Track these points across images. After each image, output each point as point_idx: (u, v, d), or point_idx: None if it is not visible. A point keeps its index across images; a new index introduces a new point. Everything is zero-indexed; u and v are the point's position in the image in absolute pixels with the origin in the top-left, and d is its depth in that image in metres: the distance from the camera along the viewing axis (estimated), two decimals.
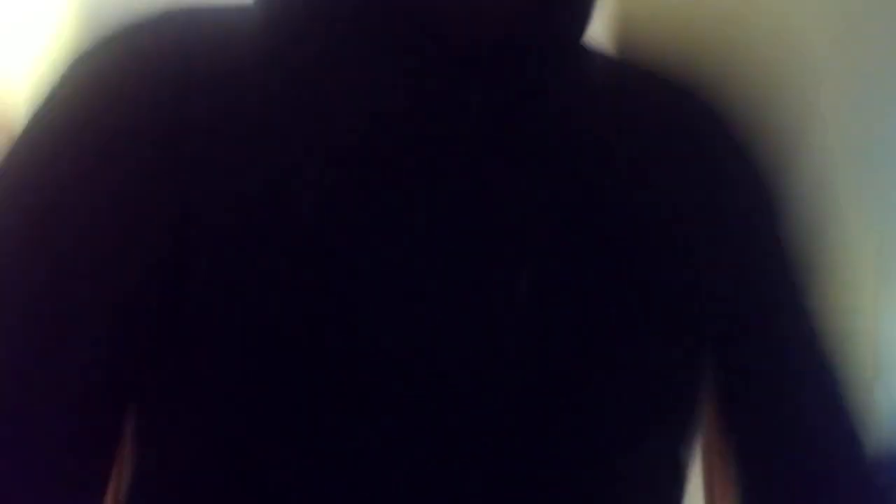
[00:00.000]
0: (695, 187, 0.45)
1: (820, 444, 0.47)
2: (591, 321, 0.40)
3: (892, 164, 1.92)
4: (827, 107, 1.80)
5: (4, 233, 0.37)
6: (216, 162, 0.38)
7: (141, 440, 0.40)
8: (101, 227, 0.37)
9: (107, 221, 0.37)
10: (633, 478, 0.42)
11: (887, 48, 1.78)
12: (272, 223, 0.37)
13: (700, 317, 0.43)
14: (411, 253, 0.38)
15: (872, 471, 0.48)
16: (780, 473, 0.47)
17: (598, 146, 0.43)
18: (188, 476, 0.39)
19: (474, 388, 0.38)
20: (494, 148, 0.41)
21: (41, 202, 0.37)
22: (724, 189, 0.46)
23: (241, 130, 0.38)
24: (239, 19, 0.43)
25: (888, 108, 1.88)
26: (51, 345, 0.36)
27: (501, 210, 0.40)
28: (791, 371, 0.47)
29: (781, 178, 0.50)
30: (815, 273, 0.49)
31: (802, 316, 0.48)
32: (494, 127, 0.41)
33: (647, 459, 0.42)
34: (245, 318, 0.37)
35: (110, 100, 0.39)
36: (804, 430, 0.46)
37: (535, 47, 0.42)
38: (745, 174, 0.48)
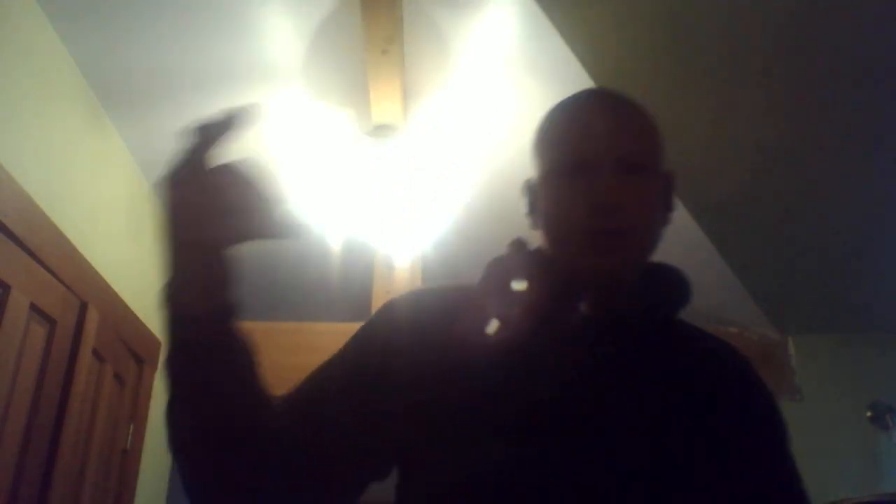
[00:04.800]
0: (729, 400, 0.81)
1: None
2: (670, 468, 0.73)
3: None
4: None
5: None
6: (413, 346, 0.80)
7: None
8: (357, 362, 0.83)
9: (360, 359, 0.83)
10: None
11: None
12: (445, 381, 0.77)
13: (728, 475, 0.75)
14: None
15: None
16: None
17: (673, 372, 0.81)
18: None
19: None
20: (617, 370, 0.79)
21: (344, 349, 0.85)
22: (746, 404, 0.83)
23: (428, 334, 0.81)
24: (455, 289, 0.88)
25: None
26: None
27: (620, 401, 0.76)
28: None
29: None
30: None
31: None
32: (619, 361, 0.79)
33: None
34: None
35: (385, 314, 0.87)
36: None
37: (645, 321, 0.84)
38: (760, 398, 0.85)
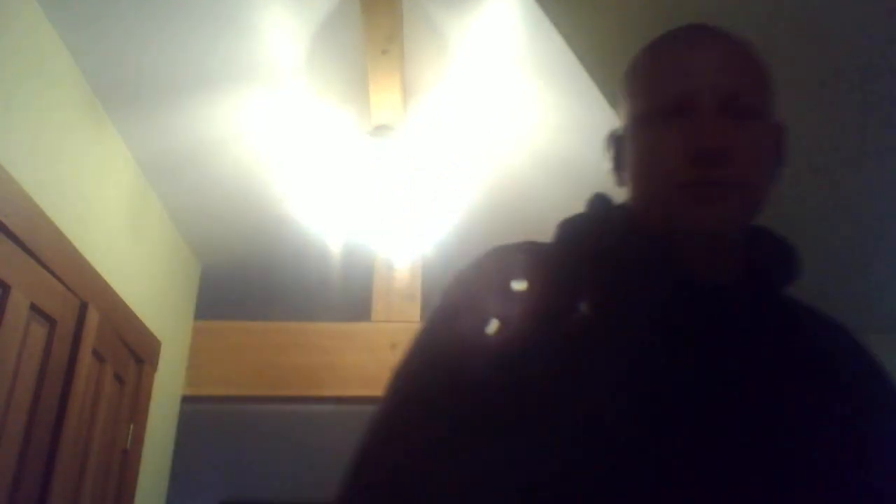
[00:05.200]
0: (853, 385, 0.70)
1: None
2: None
3: None
4: None
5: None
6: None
7: None
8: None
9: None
10: None
11: None
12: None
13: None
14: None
15: None
16: None
17: (789, 353, 0.68)
18: None
19: None
20: (726, 351, 0.66)
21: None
22: (871, 389, 0.72)
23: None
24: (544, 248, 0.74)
25: None
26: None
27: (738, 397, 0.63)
28: None
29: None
30: None
31: None
32: (726, 339, 0.66)
33: None
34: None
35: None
36: None
37: (752, 293, 0.71)
38: (886, 382, 0.75)
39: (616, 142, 0.78)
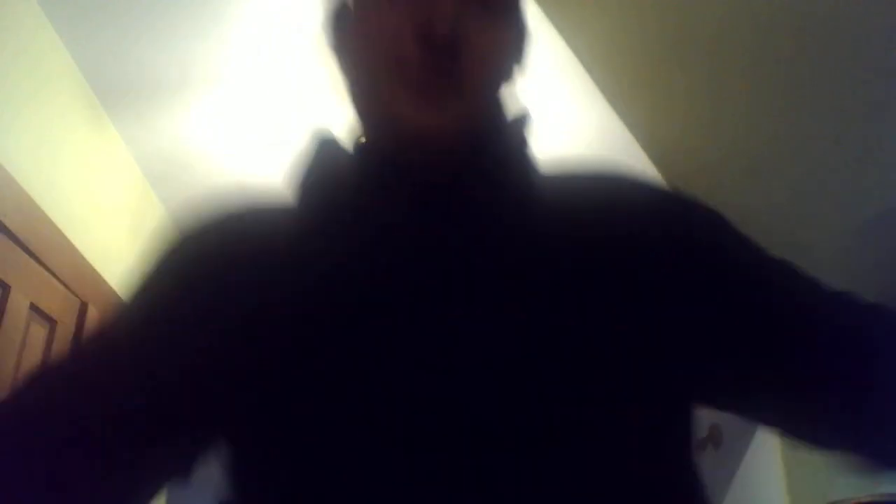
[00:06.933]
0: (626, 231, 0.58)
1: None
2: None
3: None
4: None
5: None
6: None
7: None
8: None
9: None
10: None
11: None
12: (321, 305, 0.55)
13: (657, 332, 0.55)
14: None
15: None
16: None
17: (538, 228, 0.57)
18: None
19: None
20: (451, 242, 0.55)
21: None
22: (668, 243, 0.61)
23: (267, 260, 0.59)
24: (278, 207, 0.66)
25: None
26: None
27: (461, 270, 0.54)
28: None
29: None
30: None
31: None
32: (450, 231, 0.56)
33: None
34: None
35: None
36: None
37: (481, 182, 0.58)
38: (682, 224, 0.65)
39: (338, 15, 0.64)
